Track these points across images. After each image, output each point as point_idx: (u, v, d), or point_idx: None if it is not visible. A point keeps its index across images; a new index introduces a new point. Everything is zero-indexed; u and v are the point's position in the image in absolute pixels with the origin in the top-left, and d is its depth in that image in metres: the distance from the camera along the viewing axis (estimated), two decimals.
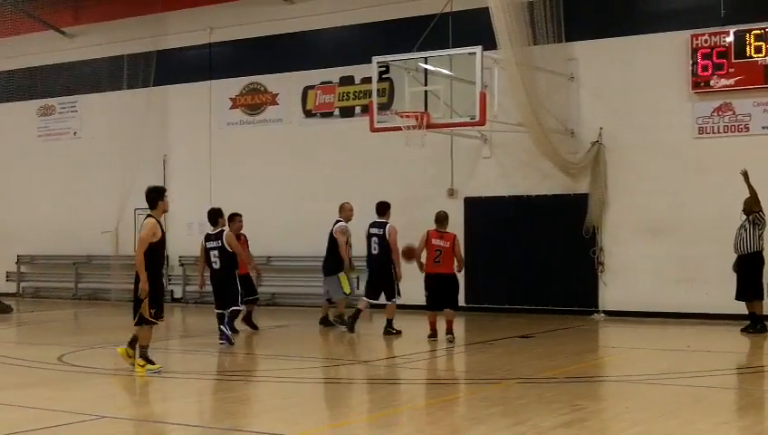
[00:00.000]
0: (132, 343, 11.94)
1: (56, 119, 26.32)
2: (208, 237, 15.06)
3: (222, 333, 14.57)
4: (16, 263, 26.33)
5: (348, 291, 17.16)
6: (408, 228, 19.52)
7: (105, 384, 11.48)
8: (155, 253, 11.79)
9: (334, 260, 17.12)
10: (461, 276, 18.08)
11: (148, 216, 11.96)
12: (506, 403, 9.63)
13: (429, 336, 15.06)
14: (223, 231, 15.01)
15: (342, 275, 17.10)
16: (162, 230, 11.92)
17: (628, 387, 10.89)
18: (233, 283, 14.89)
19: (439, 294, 15.08)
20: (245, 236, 17.04)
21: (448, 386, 11.24)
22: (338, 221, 17.37)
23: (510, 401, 9.78)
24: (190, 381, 11.90)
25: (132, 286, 11.89)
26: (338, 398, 10.59)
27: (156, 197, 12.01)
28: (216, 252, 14.83)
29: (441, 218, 15.33)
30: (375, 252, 16.44)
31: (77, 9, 25.54)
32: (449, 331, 14.85)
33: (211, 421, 9.05)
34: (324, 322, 17.43)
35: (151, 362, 11.76)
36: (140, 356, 11.73)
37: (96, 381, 11.53)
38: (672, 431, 8.17)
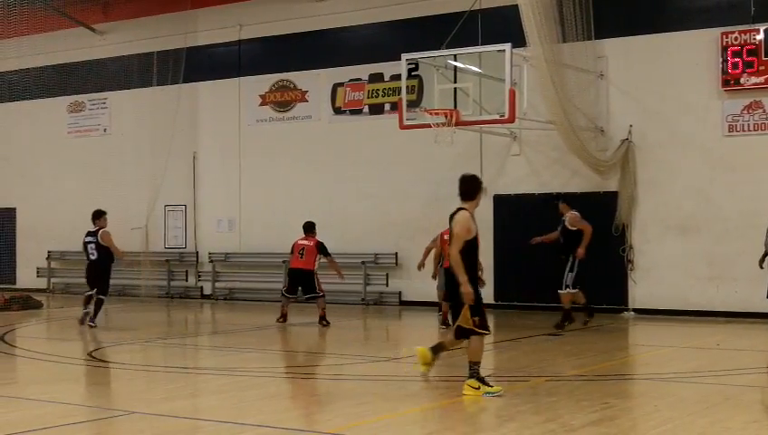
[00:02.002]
0: (437, 349, 10.61)
1: (86, 115, 26.50)
2: (88, 233, 17.33)
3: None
4: (47, 259, 26.54)
5: None
6: (438, 226, 19.57)
7: (134, 380, 11.54)
8: (471, 252, 10.38)
9: None
10: (490, 273, 18.17)
11: (460, 209, 10.57)
12: (536, 401, 9.62)
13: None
14: (100, 229, 17.18)
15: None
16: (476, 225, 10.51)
17: (657, 385, 10.85)
18: (105, 273, 17.29)
19: None
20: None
21: None
22: None
23: (539, 398, 9.76)
24: (219, 378, 11.96)
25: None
26: (366, 394, 10.60)
27: (474, 187, 10.69)
28: (92, 245, 17.11)
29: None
30: None
31: (107, 6, 25.69)
32: None
33: (240, 418, 9.09)
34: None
35: (487, 384, 9.84)
36: (472, 376, 9.87)
37: (125, 377, 11.61)
38: (701, 430, 8.13)
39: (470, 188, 10.65)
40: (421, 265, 17.15)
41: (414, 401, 10.18)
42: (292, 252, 17.75)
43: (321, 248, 17.57)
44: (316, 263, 17.61)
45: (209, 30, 24.17)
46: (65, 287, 26.24)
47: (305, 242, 17.66)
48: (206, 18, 24.21)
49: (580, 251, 16.12)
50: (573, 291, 16.39)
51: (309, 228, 17.94)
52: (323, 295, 17.49)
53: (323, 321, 17.14)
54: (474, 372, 9.80)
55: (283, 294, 17.96)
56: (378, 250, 21.30)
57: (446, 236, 14.93)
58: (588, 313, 16.77)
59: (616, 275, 19.00)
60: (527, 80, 17.34)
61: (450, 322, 14.67)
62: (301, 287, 17.51)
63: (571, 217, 16.46)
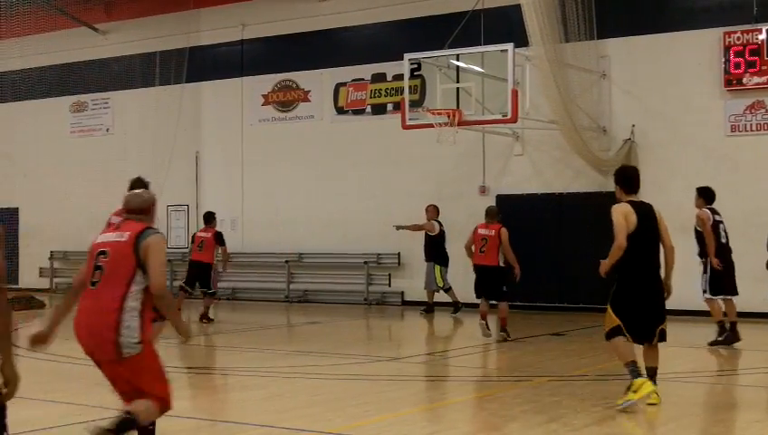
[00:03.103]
0: (651, 374, 9.18)
1: (88, 115, 26.52)
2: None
3: None
4: (49, 259, 26.57)
5: (441, 284, 18.48)
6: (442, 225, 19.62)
7: None
8: (637, 248, 9.51)
9: (434, 252, 18.60)
10: None
11: (626, 201, 9.85)
12: (538, 401, 9.62)
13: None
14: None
15: (438, 267, 17.93)
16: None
17: (660, 385, 10.82)
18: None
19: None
20: None
21: (480, 383, 11.24)
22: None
23: (542, 398, 9.77)
24: (221, 377, 11.98)
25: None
26: (369, 394, 10.61)
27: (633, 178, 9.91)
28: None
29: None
30: None
31: (109, 6, 25.72)
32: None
33: (241, 417, 9.10)
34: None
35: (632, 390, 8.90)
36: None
37: None
38: (704, 429, 8.14)
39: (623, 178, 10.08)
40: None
41: (416, 401, 10.19)
42: (192, 243, 17.96)
43: (218, 239, 17.60)
44: (215, 256, 17.61)
45: (212, 30, 24.18)
46: (68, 287, 26.19)
47: (204, 234, 17.69)
48: (208, 18, 24.22)
49: (713, 260, 13.80)
50: (714, 298, 14.08)
51: (208, 219, 17.95)
52: (215, 293, 17.72)
53: (204, 319, 17.35)
54: (630, 372, 8.97)
55: (181, 288, 17.97)
56: (380, 250, 21.31)
57: (481, 231, 14.90)
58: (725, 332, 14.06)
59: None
60: (530, 80, 17.36)
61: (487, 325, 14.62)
62: (198, 281, 17.50)
63: (698, 215, 14.08)
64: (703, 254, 14.09)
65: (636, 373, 8.92)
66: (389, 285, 21.41)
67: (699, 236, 14.01)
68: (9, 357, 4.81)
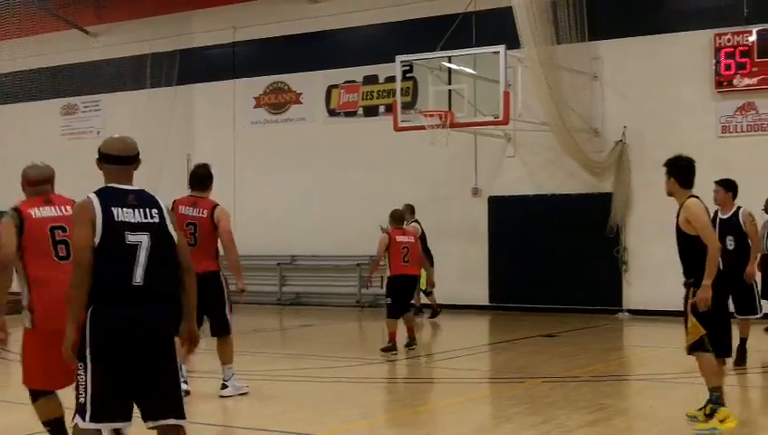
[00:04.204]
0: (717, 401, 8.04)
1: (79, 118, 26.46)
2: None
3: None
4: None
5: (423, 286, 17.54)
6: (434, 227, 19.58)
7: None
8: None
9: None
10: (485, 275, 18.13)
11: (691, 196, 9.04)
12: (532, 402, 9.63)
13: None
14: None
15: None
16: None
17: (653, 386, 10.87)
18: None
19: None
20: None
21: (473, 385, 11.24)
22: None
23: (535, 399, 9.78)
24: (214, 381, 11.95)
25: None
26: (361, 397, 10.61)
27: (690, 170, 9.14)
28: None
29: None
30: None
31: (100, 8, 25.66)
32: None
33: (234, 421, 9.09)
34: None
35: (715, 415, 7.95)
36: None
37: None
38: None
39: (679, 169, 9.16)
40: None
41: (410, 403, 10.18)
42: None
43: None
44: None
45: (203, 32, 24.14)
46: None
47: None
48: (200, 20, 24.18)
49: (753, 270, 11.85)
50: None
51: None
52: None
53: None
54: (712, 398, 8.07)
55: None
56: (373, 252, 21.11)
57: (400, 238, 14.17)
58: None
59: (610, 275, 19.05)
60: (522, 81, 17.38)
61: None
62: None
63: (744, 214, 12.43)
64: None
65: (720, 400, 8.00)
66: (382, 287, 21.34)
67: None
68: None
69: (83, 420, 5.36)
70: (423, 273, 17.74)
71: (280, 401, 10.07)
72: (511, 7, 16.67)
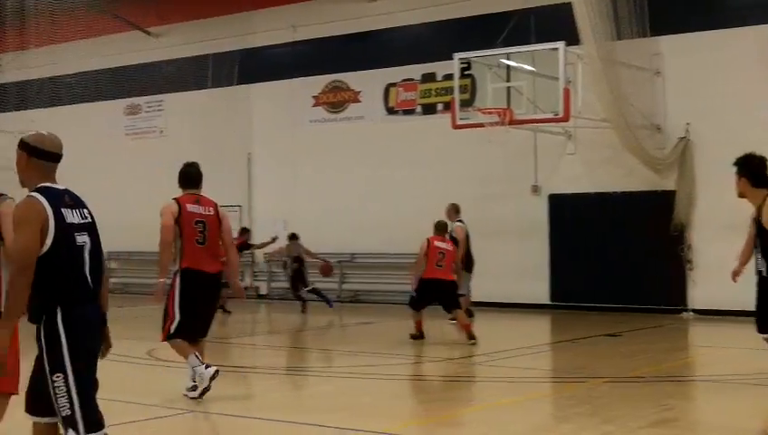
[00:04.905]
0: None
1: (143, 118, 26.79)
2: None
3: None
4: (106, 259, 26.79)
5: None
6: (490, 225, 19.51)
7: (181, 379, 11.59)
8: None
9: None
10: (545, 273, 17.99)
11: None
12: (592, 402, 9.52)
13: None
14: None
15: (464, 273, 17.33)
16: None
17: (718, 387, 10.69)
18: None
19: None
20: None
21: (532, 384, 11.15)
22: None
23: (596, 399, 9.67)
24: (274, 377, 12.02)
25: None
26: (419, 394, 10.59)
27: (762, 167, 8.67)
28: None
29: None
30: None
31: (161, 9, 25.94)
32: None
33: (293, 416, 9.12)
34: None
35: None
36: None
37: (184, 376, 11.65)
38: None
39: None
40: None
41: (467, 401, 10.15)
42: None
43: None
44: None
45: (263, 32, 24.29)
46: (123, 287, 26.52)
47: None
48: (260, 20, 24.35)
49: None
50: None
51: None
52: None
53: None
54: None
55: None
56: None
57: (438, 244, 14.72)
58: None
59: (674, 274, 18.77)
60: (581, 78, 17.20)
61: None
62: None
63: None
64: None
65: None
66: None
67: None
68: None
69: (78, 432, 5.15)
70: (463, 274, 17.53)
71: (337, 397, 10.09)
72: (570, 3, 16.51)
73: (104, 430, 5.32)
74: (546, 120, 17.61)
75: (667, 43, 18.97)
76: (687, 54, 18.82)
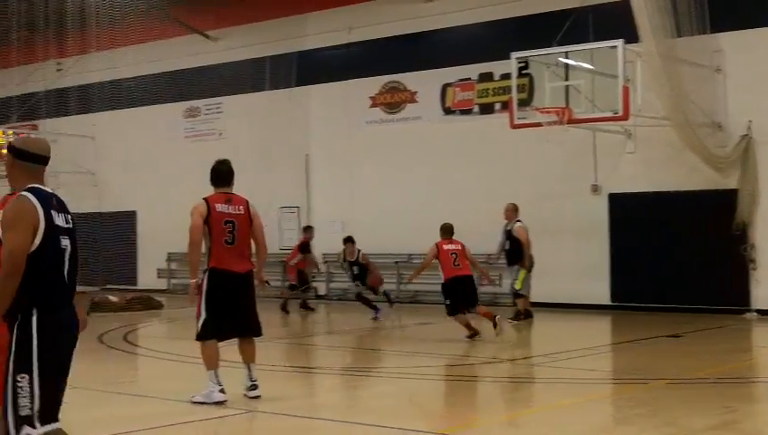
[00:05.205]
0: None
1: (202, 120, 27.06)
2: None
3: None
4: (167, 260, 27.17)
5: (519, 287, 17.37)
6: (549, 225, 19.40)
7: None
8: None
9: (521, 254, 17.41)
10: (606, 273, 17.83)
11: None
12: (653, 404, 9.43)
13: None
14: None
15: (523, 271, 17.22)
16: None
17: None
18: None
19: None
20: None
21: (593, 385, 11.07)
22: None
23: (657, 401, 9.57)
24: (335, 377, 12.08)
25: None
26: (479, 396, 10.58)
27: None
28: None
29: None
30: None
31: (220, 13, 26.17)
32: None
33: (354, 417, 9.16)
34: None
35: None
36: None
37: (243, 377, 11.75)
38: None
39: None
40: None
41: (527, 402, 10.11)
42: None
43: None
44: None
45: (319, 33, 24.41)
46: (184, 288, 26.79)
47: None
48: (315, 22, 24.48)
49: None
50: None
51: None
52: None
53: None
54: None
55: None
56: (490, 250, 21.12)
57: (447, 247, 15.26)
58: None
59: (737, 274, 18.50)
60: (641, 75, 17.03)
61: None
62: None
63: None
64: None
65: None
66: (500, 286, 21.27)
67: None
68: None
69: (35, 427, 5.19)
70: (521, 274, 17.38)
71: (397, 398, 10.11)
72: (628, 0, 16.35)
73: (57, 424, 5.33)
74: (605, 119, 17.46)
75: (728, 39, 18.70)
76: (749, 51, 18.55)
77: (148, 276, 27.55)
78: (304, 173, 24.64)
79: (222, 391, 9.27)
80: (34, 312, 5.19)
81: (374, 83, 23.66)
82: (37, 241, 5.21)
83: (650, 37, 16.49)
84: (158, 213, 27.08)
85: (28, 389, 5.18)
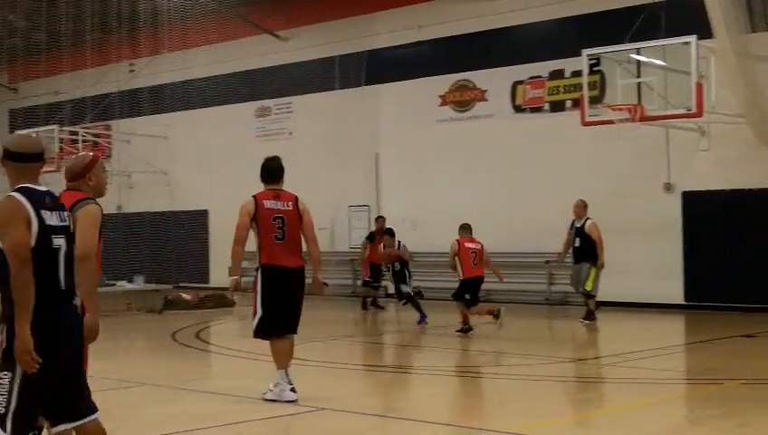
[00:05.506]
0: None
1: (272, 119, 27.26)
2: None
3: None
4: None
5: (590, 288, 17.01)
6: (620, 223, 19.17)
7: (323, 377, 11.79)
8: None
9: (592, 252, 17.11)
10: (679, 273, 17.60)
11: None
12: (728, 405, 9.28)
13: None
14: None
15: (594, 270, 16.96)
16: None
17: None
18: None
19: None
20: None
21: (666, 386, 10.92)
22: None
23: (732, 402, 9.42)
24: (405, 375, 12.09)
25: None
26: (552, 395, 10.51)
27: None
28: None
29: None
30: None
31: (289, 13, 26.37)
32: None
33: (423, 415, 9.16)
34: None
35: None
36: None
37: (314, 374, 11.85)
38: None
39: None
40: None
41: (599, 402, 10.02)
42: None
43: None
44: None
45: (389, 32, 24.45)
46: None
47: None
48: (385, 21, 24.52)
49: None
50: None
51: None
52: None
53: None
54: None
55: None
56: (560, 249, 20.97)
57: (469, 245, 15.50)
58: None
59: None
60: (715, 72, 16.77)
61: None
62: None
63: None
64: None
65: None
66: (553, 283, 21.12)
67: None
68: None
69: (5, 429, 5.13)
70: (591, 274, 17.07)
71: (469, 397, 10.09)
72: None
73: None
74: (678, 116, 17.22)
75: None
76: None
77: (220, 274, 27.80)
78: (374, 172, 24.70)
79: (293, 390, 9.33)
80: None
81: (444, 82, 23.61)
82: (32, 241, 5.19)
83: (724, 33, 16.23)
84: (230, 212, 27.09)
85: (7, 387, 5.14)
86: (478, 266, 15.65)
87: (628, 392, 10.45)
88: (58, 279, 5.33)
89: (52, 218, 5.32)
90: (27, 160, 5.41)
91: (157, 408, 9.42)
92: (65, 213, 5.48)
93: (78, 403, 5.44)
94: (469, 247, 15.67)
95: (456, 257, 15.59)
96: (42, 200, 5.32)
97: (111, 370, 11.31)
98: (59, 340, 5.29)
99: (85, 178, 6.27)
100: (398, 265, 18.38)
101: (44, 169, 5.65)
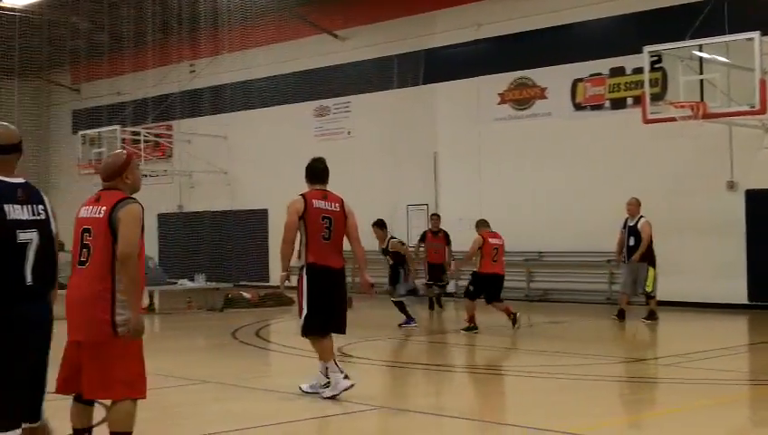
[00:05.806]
0: None
1: (331, 119, 27.36)
2: None
3: None
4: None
5: (650, 289, 16.81)
6: (679, 221, 18.93)
7: (380, 376, 11.80)
8: None
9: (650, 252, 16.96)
10: (743, 272, 17.32)
11: None
12: None
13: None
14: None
15: (653, 270, 16.76)
16: None
17: None
18: None
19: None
20: None
21: (728, 386, 10.75)
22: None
23: None
24: (465, 375, 12.05)
25: None
26: (612, 396, 10.40)
27: None
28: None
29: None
30: None
31: (348, 12, 26.44)
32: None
33: (480, 415, 9.12)
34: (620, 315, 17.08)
35: None
36: None
37: (371, 373, 11.87)
38: None
39: None
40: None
41: (660, 403, 9.90)
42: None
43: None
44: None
45: (446, 31, 24.41)
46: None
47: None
48: (442, 19, 24.49)
49: None
50: None
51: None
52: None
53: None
54: None
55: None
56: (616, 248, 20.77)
57: (493, 241, 15.54)
58: None
59: None
60: None
61: None
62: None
63: None
64: None
65: None
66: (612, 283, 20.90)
67: None
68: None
69: None
70: (650, 274, 16.84)
71: (528, 396, 10.02)
72: None
73: (16, 431, 5.19)
74: (742, 114, 16.95)
75: None
76: None
77: (279, 274, 27.97)
78: (432, 171, 24.66)
79: (346, 377, 9.36)
80: None
81: (503, 80, 23.50)
82: None
83: None
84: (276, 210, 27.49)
85: None
86: (498, 263, 15.71)
87: (690, 393, 10.28)
88: (23, 275, 5.21)
89: (20, 212, 5.20)
90: (4, 152, 5.32)
91: (217, 405, 9.50)
92: (41, 207, 5.34)
93: (41, 404, 5.38)
94: (492, 243, 15.71)
95: (479, 251, 15.66)
96: (10, 193, 5.22)
97: (172, 368, 11.45)
98: (26, 337, 5.18)
99: (122, 176, 6.24)
100: (390, 260, 17.65)
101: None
